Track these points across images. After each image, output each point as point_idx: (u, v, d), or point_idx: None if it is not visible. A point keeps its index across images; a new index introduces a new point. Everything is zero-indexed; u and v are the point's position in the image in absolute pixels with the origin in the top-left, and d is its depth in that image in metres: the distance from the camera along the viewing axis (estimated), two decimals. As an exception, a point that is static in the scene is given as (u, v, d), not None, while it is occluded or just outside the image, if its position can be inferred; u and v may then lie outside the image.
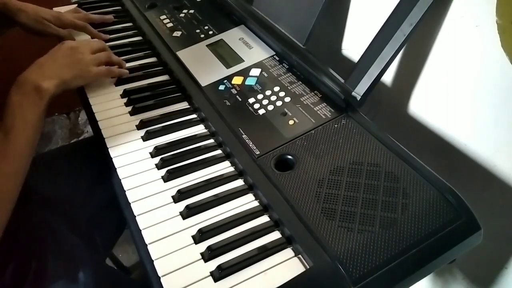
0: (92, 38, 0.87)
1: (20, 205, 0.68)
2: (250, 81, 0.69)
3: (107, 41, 0.86)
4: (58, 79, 0.63)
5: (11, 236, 0.63)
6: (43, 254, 0.62)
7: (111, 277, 0.70)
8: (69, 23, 0.85)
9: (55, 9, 0.97)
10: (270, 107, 0.64)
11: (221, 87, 0.69)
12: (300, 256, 0.48)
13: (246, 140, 0.60)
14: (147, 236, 0.51)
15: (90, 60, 0.70)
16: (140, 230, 0.52)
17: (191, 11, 0.89)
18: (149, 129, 0.66)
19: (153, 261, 0.49)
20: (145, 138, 0.65)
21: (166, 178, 0.58)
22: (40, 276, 0.60)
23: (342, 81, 0.61)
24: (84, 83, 0.70)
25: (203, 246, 0.50)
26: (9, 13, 0.80)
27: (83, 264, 0.65)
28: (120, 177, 0.59)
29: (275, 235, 0.51)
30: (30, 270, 0.60)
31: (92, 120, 0.69)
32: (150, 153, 0.63)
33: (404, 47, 0.57)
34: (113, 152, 0.63)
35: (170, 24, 0.86)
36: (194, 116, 0.69)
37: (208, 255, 0.49)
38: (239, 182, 0.58)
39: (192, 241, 0.51)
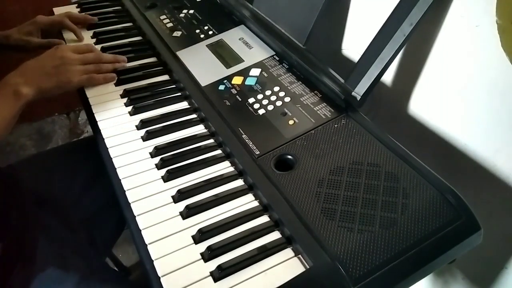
0: (73, 29, 0.87)
1: (13, 201, 0.68)
2: (250, 81, 0.69)
3: (106, 41, 0.87)
4: (38, 87, 0.65)
5: (1, 225, 0.63)
6: (33, 245, 0.63)
7: (102, 271, 0.70)
8: (47, 21, 0.86)
9: (55, 9, 0.97)
10: (270, 107, 0.64)
11: (221, 87, 0.69)
12: (300, 256, 0.48)
13: (246, 140, 0.60)
14: (147, 236, 0.51)
15: (75, 71, 0.70)
16: (140, 230, 0.52)
17: (191, 11, 0.89)
18: (149, 129, 0.66)
19: (153, 261, 0.49)
20: (145, 138, 0.65)
21: (166, 178, 0.58)
22: (28, 264, 0.61)
23: (342, 81, 0.61)
24: (63, 92, 0.70)
25: (203, 246, 0.50)
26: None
27: (73, 255, 0.65)
28: (120, 177, 0.59)
29: (275, 235, 0.51)
30: (18, 258, 0.61)
31: (92, 120, 0.69)
32: (150, 153, 0.63)
33: (404, 47, 0.57)
34: (113, 152, 0.63)
35: (170, 24, 0.86)
36: (194, 116, 0.69)
37: (208, 255, 0.49)
38: (239, 182, 0.58)
39: (192, 241, 0.51)
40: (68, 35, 0.88)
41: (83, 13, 0.94)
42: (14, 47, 0.84)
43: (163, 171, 0.59)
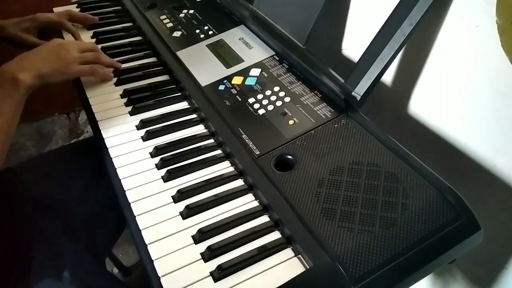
0: (72, 31, 0.87)
1: (9, 206, 0.68)
2: (250, 81, 0.69)
3: (106, 41, 0.87)
4: (36, 71, 0.63)
5: None
6: (29, 254, 0.63)
7: (98, 279, 0.70)
8: (45, 19, 0.85)
9: (54, 9, 0.97)
10: (270, 107, 0.64)
11: (221, 87, 0.69)
12: (300, 256, 0.48)
13: (246, 140, 0.60)
14: (147, 236, 0.51)
15: (74, 57, 0.69)
16: (140, 230, 0.52)
17: (191, 11, 0.89)
18: (149, 129, 0.66)
19: (153, 261, 0.49)
20: (145, 138, 0.65)
21: (166, 178, 0.58)
22: (25, 273, 0.60)
23: (342, 81, 0.61)
24: (64, 79, 0.69)
25: (203, 246, 0.50)
26: None
27: (70, 264, 0.65)
28: (120, 177, 0.59)
29: (275, 235, 0.51)
30: (14, 268, 0.60)
31: (92, 120, 0.69)
32: (150, 153, 0.63)
33: (404, 47, 0.57)
34: (113, 152, 0.63)
35: (170, 24, 0.86)
36: (194, 116, 0.69)
37: (208, 255, 0.49)
38: (239, 182, 0.58)
39: (192, 241, 0.51)
40: (69, 36, 0.88)
41: (84, 13, 0.93)
42: (7, 40, 0.83)
43: (163, 171, 0.60)
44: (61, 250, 0.66)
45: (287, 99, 0.64)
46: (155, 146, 0.63)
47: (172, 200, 0.56)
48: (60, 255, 0.65)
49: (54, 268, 0.63)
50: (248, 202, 0.55)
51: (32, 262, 0.62)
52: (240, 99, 0.66)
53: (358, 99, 0.58)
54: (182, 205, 0.55)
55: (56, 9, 0.97)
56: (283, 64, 0.71)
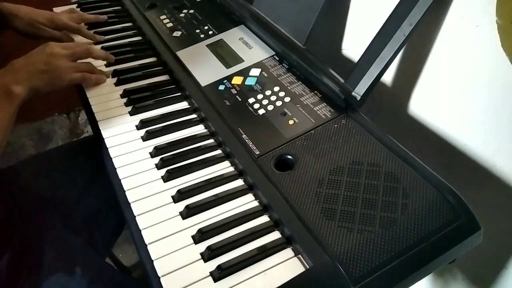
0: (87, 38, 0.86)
1: (16, 203, 0.68)
2: (250, 81, 0.69)
3: (106, 41, 0.87)
4: (29, 85, 0.63)
5: (6, 230, 0.63)
6: (39, 249, 0.63)
7: (108, 274, 0.70)
8: (63, 25, 0.85)
9: (55, 9, 0.97)
10: (270, 107, 0.64)
11: (221, 87, 0.69)
12: (300, 256, 0.48)
13: (246, 140, 0.60)
14: (147, 236, 0.51)
15: (66, 67, 0.69)
16: (140, 230, 0.52)
17: (191, 11, 0.89)
18: (149, 129, 0.66)
19: (153, 261, 0.49)
20: (145, 138, 0.65)
21: (166, 178, 0.58)
22: (35, 269, 0.61)
23: (342, 81, 0.61)
24: (55, 89, 0.68)
25: (203, 246, 0.50)
26: (2, 18, 0.80)
27: (80, 259, 0.65)
28: (120, 177, 0.59)
29: (275, 235, 0.51)
30: (26, 264, 0.60)
31: (92, 120, 0.69)
32: (150, 153, 0.63)
33: (404, 47, 0.57)
34: (113, 152, 0.63)
35: (170, 24, 0.86)
36: (194, 116, 0.69)
37: (208, 255, 0.49)
38: (239, 182, 0.58)
39: (192, 241, 0.51)
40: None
41: (94, 15, 0.92)
42: (18, 30, 0.82)
43: (163, 171, 0.60)
44: (69, 246, 0.66)
45: (287, 99, 0.64)
46: (155, 146, 0.63)
47: (172, 200, 0.56)
48: (68, 250, 0.66)
49: (64, 263, 0.63)
50: (248, 202, 0.55)
51: (42, 258, 0.62)
52: (240, 99, 0.66)
53: (358, 99, 0.58)
54: (182, 205, 0.55)
55: (56, 10, 0.97)
56: (283, 64, 0.71)
